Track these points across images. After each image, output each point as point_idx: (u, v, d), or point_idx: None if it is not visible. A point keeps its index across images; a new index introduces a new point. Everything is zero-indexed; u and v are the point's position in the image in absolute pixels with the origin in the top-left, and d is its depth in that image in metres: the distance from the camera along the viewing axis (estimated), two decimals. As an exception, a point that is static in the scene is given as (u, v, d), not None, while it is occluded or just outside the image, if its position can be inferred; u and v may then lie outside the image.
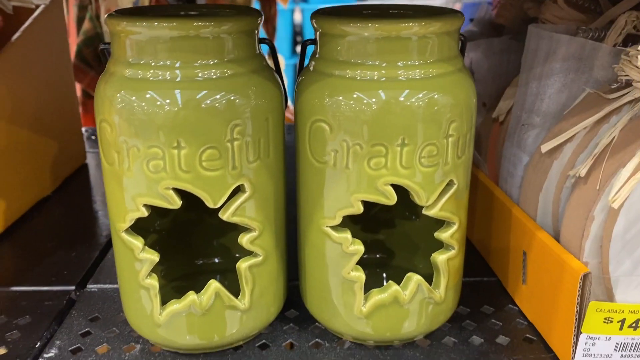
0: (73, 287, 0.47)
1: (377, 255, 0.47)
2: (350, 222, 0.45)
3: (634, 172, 0.31)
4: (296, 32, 2.77)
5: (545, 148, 0.38)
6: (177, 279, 0.45)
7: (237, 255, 0.45)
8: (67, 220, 0.60)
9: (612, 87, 0.37)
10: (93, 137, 0.87)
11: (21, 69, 0.58)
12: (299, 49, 2.76)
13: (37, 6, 0.60)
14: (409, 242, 0.47)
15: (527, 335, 0.40)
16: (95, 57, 1.08)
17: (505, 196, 0.44)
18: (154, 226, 0.45)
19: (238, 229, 0.46)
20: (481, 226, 0.49)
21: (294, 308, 0.44)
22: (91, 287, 0.47)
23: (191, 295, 0.36)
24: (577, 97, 0.40)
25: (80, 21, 1.09)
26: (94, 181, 0.70)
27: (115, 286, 0.47)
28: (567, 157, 0.38)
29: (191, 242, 0.46)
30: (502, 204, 0.44)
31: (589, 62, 0.39)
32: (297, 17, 2.77)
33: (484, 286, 0.46)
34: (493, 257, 0.47)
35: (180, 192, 0.34)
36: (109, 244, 0.54)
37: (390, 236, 0.48)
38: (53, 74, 0.65)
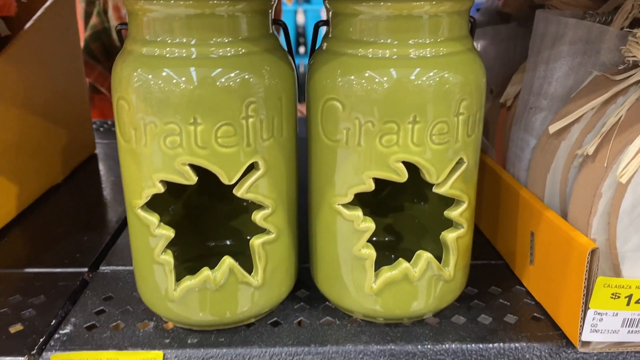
0: (86, 269, 0.48)
1: (386, 239, 0.48)
2: (359, 206, 0.45)
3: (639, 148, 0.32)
4: (299, 32, 2.78)
5: (553, 129, 0.39)
6: (189, 260, 0.45)
7: (248, 237, 0.45)
8: (77, 207, 0.60)
9: (619, 68, 0.37)
10: (101, 129, 0.87)
11: (33, 57, 0.58)
12: (302, 49, 2.77)
13: (50, -4, 0.61)
14: (417, 225, 0.47)
15: (535, 314, 0.41)
16: (102, 52, 1.09)
17: (513, 179, 0.45)
18: (167, 210, 0.45)
19: (249, 211, 0.47)
20: (488, 211, 0.50)
21: (304, 288, 0.44)
22: (104, 268, 0.48)
23: (205, 271, 0.37)
24: (584, 80, 0.40)
25: (87, 16, 1.09)
26: (103, 170, 0.71)
27: (127, 268, 0.48)
28: (574, 137, 0.38)
29: (203, 225, 0.47)
30: (509, 186, 0.44)
31: (596, 45, 0.40)
32: (300, 18, 2.78)
33: (492, 269, 0.47)
34: (500, 241, 0.48)
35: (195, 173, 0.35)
36: (120, 229, 0.55)
37: (398, 220, 0.48)
38: (64, 63, 0.66)
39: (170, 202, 0.46)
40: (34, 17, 0.59)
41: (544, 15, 0.42)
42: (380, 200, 0.48)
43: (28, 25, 0.58)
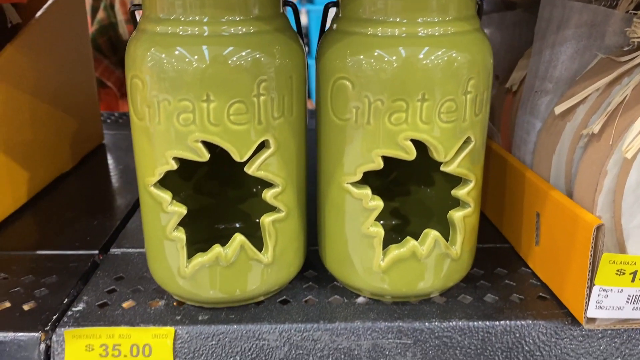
0: (96, 251, 0.48)
1: (393, 222, 0.49)
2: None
3: (646, 123, 0.32)
4: (303, 33, 2.79)
5: (558, 110, 0.39)
6: (199, 242, 0.46)
7: (257, 220, 0.46)
8: (87, 193, 0.61)
9: (625, 49, 0.38)
10: (108, 121, 0.88)
11: (43, 46, 0.59)
12: (305, 49, 2.77)
13: (60, -15, 0.62)
14: (424, 209, 0.48)
15: (541, 294, 0.41)
16: (109, 47, 1.10)
17: (519, 162, 0.45)
18: (179, 195, 0.46)
19: (258, 196, 0.48)
20: (494, 196, 0.50)
21: (313, 270, 0.45)
22: (114, 251, 0.48)
23: (217, 248, 0.37)
24: (590, 63, 0.41)
25: (94, 11, 1.10)
26: (111, 160, 0.71)
27: (137, 250, 0.48)
28: (580, 118, 0.39)
29: (213, 210, 0.48)
30: (515, 169, 0.45)
31: (602, 28, 0.40)
32: (303, 19, 2.79)
33: (497, 252, 0.47)
34: (506, 225, 0.49)
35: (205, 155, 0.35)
36: (129, 214, 0.55)
37: (405, 204, 0.49)
38: (73, 53, 0.66)
39: (182, 187, 0.47)
40: (45, 6, 0.59)
41: (550, 0, 0.43)
42: (387, 185, 0.49)
43: (39, 13, 0.59)
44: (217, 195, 0.49)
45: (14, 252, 0.48)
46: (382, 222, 0.47)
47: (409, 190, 0.49)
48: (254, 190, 0.48)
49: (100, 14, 1.09)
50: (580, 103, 0.39)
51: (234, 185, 0.49)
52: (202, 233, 0.47)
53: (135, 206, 0.57)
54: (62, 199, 0.59)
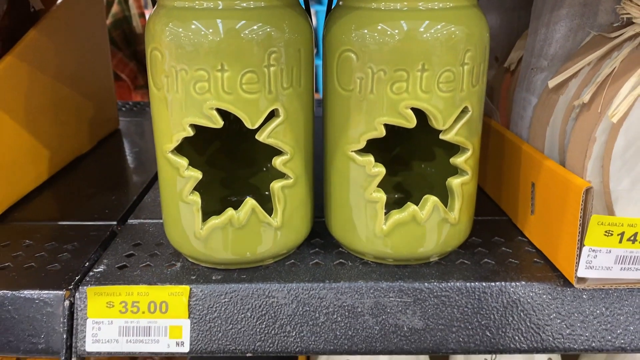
0: (115, 222, 0.51)
1: (396, 196, 0.51)
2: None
3: (631, 90, 0.35)
4: (313, 28, 2.80)
5: (552, 84, 0.42)
6: (211, 213, 0.48)
7: (266, 193, 0.48)
8: (104, 172, 0.64)
9: (614, 25, 0.40)
10: (123, 109, 0.91)
11: (64, 31, 0.62)
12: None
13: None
14: (425, 183, 0.50)
15: (535, 259, 0.44)
16: (123, 40, 1.13)
17: (516, 137, 0.48)
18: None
19: (268, 171, 0.50)
20: (494, 171, 0.53)
21: (319, 238, 0.47)
22: (132, 221, 0.51)
23: (230, 211, 0.40)
24: (583, 41, 0.43)
25: (109, 5, 1.14)
26: (127, 143, 0.74)
27: (154, 221, 0.51)
28: (572, 91, 0.41)
29: (225, 183, 0.50)
30: (512, 143, 0.47)
31: (594, 7, 0.43)
32: (313, 20, 2.81)
33: (496, 223, 0.50)
34: (504, 198, 0.51)
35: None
36: (146, 190, 0.58)
37: (408, 178, 0.51)
38: (91, 41, 0.69)
39: (196, 162, 0.49)
40: (66, -6, 0.62)
41: (545, -19, 0.45)
42: (390, 160, 0.51)
43: (60, 1, 0.62)
44: (229, 170, 0.51)
45: (37, 222, 0.51)
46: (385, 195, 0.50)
47: (411, 166, 0.52)
48: (264, 169, 0.51)
49: (115, 8, 1.12)
50: (573, 77, 0.41)
51: (245, 162, 0.51)
52: (214, 204, 0.49)
53: (150, 183, 0.60)
54: (81, 177, 0.62)
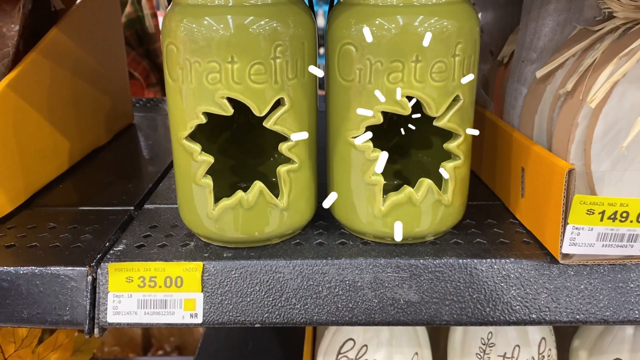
0: (132, 207, 0.54)
1: (395, 182, 0.54)
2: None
3: (608, 77, 0.37)
4: (318, 35, 2.84)
5: (539, 74, 0.44)
6: (222, 197, 0.52)
7: (273, 179, 0.52)
8: (121, 163, 0.68)
9: (597, 19, 0.43)
10: (137, 105, 0.95)
11: (83, 30, 0.66)
12: (322, 50, 2.83)
13: (98, -25, 0.68)
14: (422, 170, 0.53)
15: (525, 239, 0.46)
16: (136, 39, 1.17)
17: (508, 125, 0.50)
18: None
19: (275, 161, 0.53)
20: (488, 159, 0.56)
21: (323, 221, 0.50)
22: (148, 206, 0.55)
23: (240, 193, 0.43)
24: (570, 34, 0.46)
25: (122, 5, 1.18)
26: (141, 136, 0.78)
27: (169, 206, 0.54)
28: (558, 81, 0.44)
29: (235, 171, 0.54)
30: (504, 131, 0.50)
31: (579, 3, 0.46)
32: (320, 21, 2.84)
33: (490, 207, 0.53)
34: (498, 184, 0.54)
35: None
36: (160, 178, 0.62)
37: (407, 166, 0.54)
38: (108, 39, 0.73)
39: (208, 151, 0.52)
40: (84, -6, 0.66)
41: (535, -22, 0.48)
42: (390, 150, 0.54)
43: (79, 1, 0.65)
44: (239, 159, 0.54)
45: (60, 207, 0.55)
46: (385, 182, 0.53)
47: (410, 155, 0.55)
48: (271, 158, 0.54)
49: (128, 8, 1.16)
50: (559, 68, 0.44)
51: (254, 151, 0.54)
52: (225, 190, 0.52)
53: (164, 173, 0.63)
54: (99, 167, 0.66)
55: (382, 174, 0.43)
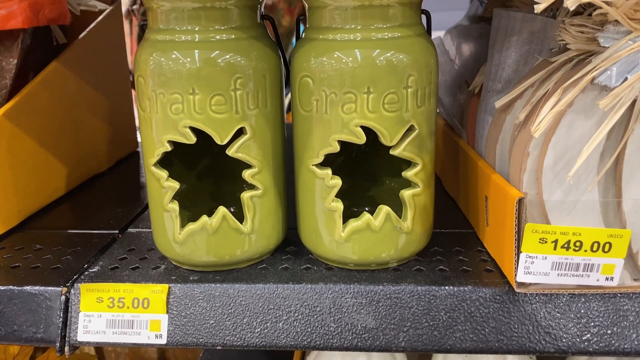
0: (117, 231, 0.57)
1: (367, 209, 0.55)
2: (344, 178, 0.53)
3: (552, 106, 0.38)
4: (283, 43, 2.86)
5: (498, 104, 0.45)
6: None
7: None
8: (117, 189, 0.70)
9: (553, 50, 0.44)
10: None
11: (84, 63, 0.69)
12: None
13: (101, 11, 0.72)
14: (394, 197, 0.54)
15: (488, 267, 0.47)
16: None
17: (476, 153, 0.51)
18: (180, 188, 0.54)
19: (244, 184, 0.55)
20: (463, 187, 0.56)
21: (293, 246, 0.52)
22: (131, 230, 0.57)
23: (204, 218, 0.45)
24: (532, 65, 0.47)
25: (140, 39, 1.23)
26: (142, 163, 0.81)
27: (151, 230, 0.56)
28: (518, 111, 0.45)
29: (213, 195, 0.56)
30: (472, 160, 0.51)
31: (541, 35, 0.46)
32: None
33: (461, 235, 0.53)
34: (471, 212, 0.54)
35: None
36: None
37: (377, 193, 0.55)
38: (112, 71, 0.77)
39: (185, 177, 0.55)
40: (87, 29, 0.70)
41: (499, 12, 0.49)
42: (363, 175, 0.55)
43: (82, 35, 0.69)
44: (216, 184, 0.56)
45: (50, 230, 0.58)
46: (355, 209, 0.54)
47: (382, 182, 0.56)
48: (244, 186, 0.56)
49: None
50: (518, 98, 0.45)
51: (230, 176, 0.56)
52: (202, 214, 0.54)
53: (155, 198, 0.66)
54: (96, 192, 0.69)
55: (354, 200, 0.45)
